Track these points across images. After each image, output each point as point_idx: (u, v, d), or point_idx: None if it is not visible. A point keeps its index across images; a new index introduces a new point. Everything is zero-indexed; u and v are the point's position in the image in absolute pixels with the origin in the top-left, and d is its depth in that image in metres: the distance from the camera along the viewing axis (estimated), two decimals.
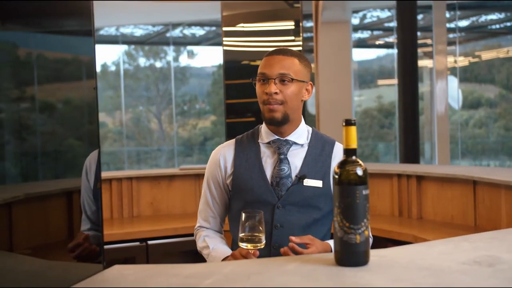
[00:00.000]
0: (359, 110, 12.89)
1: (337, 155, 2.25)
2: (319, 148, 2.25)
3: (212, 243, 2.26)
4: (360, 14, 10.85)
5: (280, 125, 2.20)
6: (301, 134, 2.27)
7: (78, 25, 1.53)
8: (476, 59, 10.98)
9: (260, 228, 1.94)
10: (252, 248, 1.95)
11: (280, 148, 2.22)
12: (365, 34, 12.04)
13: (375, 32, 12.04)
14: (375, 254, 1.61)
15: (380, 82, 12.51)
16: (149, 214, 4.36)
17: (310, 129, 2.32)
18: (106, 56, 13.10)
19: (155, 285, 1.38)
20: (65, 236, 1.54)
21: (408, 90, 6.82)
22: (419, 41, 10.35)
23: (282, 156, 2.21)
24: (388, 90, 11.98)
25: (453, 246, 1.70)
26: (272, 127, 2.23)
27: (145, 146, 13.64)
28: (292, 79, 2.17)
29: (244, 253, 2.00)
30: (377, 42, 12.46)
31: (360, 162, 1.54)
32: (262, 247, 1.96)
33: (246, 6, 4.58)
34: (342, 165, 1.53)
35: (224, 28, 4.59)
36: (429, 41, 9.59)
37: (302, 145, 2.26)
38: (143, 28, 12.30)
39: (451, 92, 10.08)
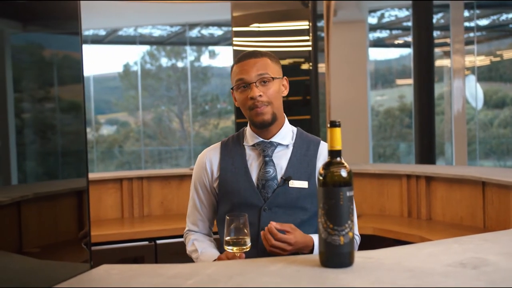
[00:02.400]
0: (381, 110, 12.83)
1: (322, 154, 2.24)
2: (304, 148, 2.25)
3: (200, 247, 2.27)
4: (378, 13, 10.80)
5: (270, 125, 2.20)
6: (286, 135, 2.26)
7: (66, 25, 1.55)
8: (498, 58, 10.85)
9: (245, 230, 1.95)
10: (237, 251, 1.95)
11: (265, 151, 2.22)
12: (384, 34, 11.98)
13: (394, 32, 11.97)
14: (361, 256, 1.60)
15: (402, 81, 12.43)
16: (160, 213, 4.38)
17: (295, 129, 2.31)
18: (129, 56, 13.23)
19: (138, 285, 1.40)
20: (74, 235, 1.57)
21: (423, 90, 6.77)
22: (440, 40, 10.28)
23: (267, 159, 2.21)
24: (411, 90, 11.91)
25: (443, 248, 1.69)
26: (256, 129, 2.23)
27: (166, 146, 13.74)
28: (273, 78, 2.17)
29: (230, 256, 2.00)
30: (396, 42, 12.39)
31: (345, 163, 1.54)
32: (248, 249, 1.97)
33: (257, 6, 4.59)
34: (326, 166, 1.53)
35: (234, 28, 4.61)
36: (448, 40, 9.51)
37: (287, 146, 2.25)
38: (161, 29, 12.39)
39: (473, 91, 9.98)
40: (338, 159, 1.55)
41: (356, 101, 7.13)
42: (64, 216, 1.56)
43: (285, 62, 4.67)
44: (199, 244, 2.28)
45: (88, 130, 12.99)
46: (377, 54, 12.80)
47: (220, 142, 2.35)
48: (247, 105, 2.18)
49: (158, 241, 3.82)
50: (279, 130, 2.24)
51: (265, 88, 2.16)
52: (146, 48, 13.07)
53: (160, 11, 9.28)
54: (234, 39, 4.62)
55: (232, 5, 4.57)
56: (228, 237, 1.95)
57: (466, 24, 9.80)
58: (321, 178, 1.53)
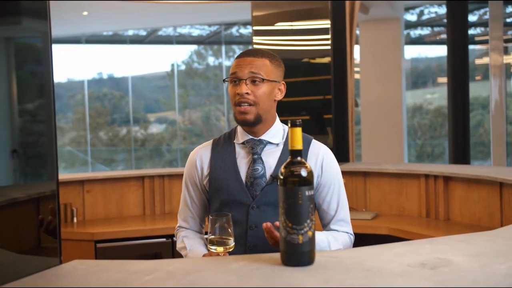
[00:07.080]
0: (431, 109, 12.64)
1: (314, 153, 2.21)
2: None
3: (189, 244, 2.28)
4: (417, 10, 10.62)
5: (253, 126, 2.19)
6: (276, 133, 2.25)
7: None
8: None
9: (229, 230, 1.96)
10: (221, 251, 1.96)
11: (254, 148, 2.21)
12: (426, 31, 11.78)
13: (436, 29, 11.76)
14: (326, 255, 1.61)
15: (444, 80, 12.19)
16: None
17: (287, 128, 2.28)
18: (175, 55, 13.42)
19: (96, 281, 1.43)
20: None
21: (457, 88, 6.65)
22: (484, 38, 10.05)
23: (255, 156, 2.20)
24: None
25: (413, 248, 1.67)
26: (245, 127, 2.24)
27: None
28: (263, 79, 2.16)
29: (214, 256, 2.01)
30: (438, 38, 12.16)
31: (306, 163, 1.55)
32: (232, 249, 1.98)
33: (277, 6, 4.60)
34: (287, 165, 1.55)
35: (255, 28, 4.63)
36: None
37: (277, 144, 2.24)
38: (199, 28, 12.51)
39: None
40: (299, 158, 1.56)
41: (390, 100, 7.04)
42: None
43: (306, 60, 4.67)
44: (188, 241, 2.30)
45: (136, 128, 13.24)
46: (427, 51, 12.59)
47: (212, 140, 2.36)
48: (234, 100, 2.18)
49: (175, 238, 3.88)
50: (268, 129, 2.23)
51: (254, 87, 2.16)
52: (193, 47, 13.23)
53: (196, 11, 9.37)
54: (254, 38, 4.64)
55: (252, 5, 4.59)
56: (212, 236, 1.97)
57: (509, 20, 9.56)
58: (281, 177, 1.54)
